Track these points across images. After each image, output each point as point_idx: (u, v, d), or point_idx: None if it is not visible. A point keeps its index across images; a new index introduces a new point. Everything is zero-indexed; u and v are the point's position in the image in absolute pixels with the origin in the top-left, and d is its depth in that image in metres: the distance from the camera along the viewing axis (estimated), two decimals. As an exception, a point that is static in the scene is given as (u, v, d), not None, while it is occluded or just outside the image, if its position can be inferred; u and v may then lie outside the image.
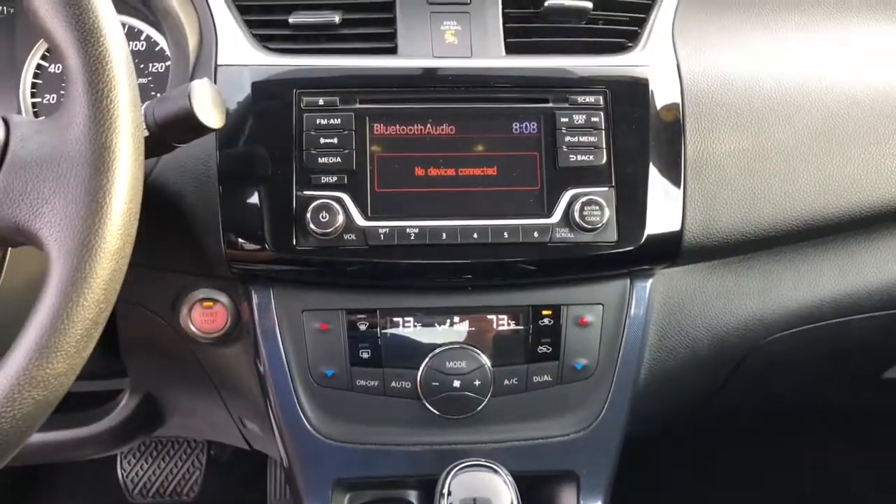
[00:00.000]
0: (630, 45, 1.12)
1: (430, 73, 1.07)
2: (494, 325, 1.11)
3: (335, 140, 1.03)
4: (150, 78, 1.26)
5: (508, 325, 1.11)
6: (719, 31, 1.16)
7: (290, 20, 1.07)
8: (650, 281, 1.13)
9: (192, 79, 1.02)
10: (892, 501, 1.98)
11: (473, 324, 1.10)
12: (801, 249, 1.20)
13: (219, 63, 1.06)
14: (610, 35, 1.11)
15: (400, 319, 1.10)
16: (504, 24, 1.09)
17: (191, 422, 1.54)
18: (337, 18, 1.08)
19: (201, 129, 0.94)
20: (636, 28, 1.12)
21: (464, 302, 1.10)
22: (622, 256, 1.06)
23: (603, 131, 1.06)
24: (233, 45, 1.06)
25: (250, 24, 1.07)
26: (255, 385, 1.14)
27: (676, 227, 1.09)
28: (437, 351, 1.09)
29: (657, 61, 1.11)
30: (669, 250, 1.09)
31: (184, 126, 0.94)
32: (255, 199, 1.02)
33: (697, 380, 1.24)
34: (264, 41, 1.07)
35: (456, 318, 1.11)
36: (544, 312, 1.11)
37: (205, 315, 1.13)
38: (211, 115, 0.94)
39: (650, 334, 1.15)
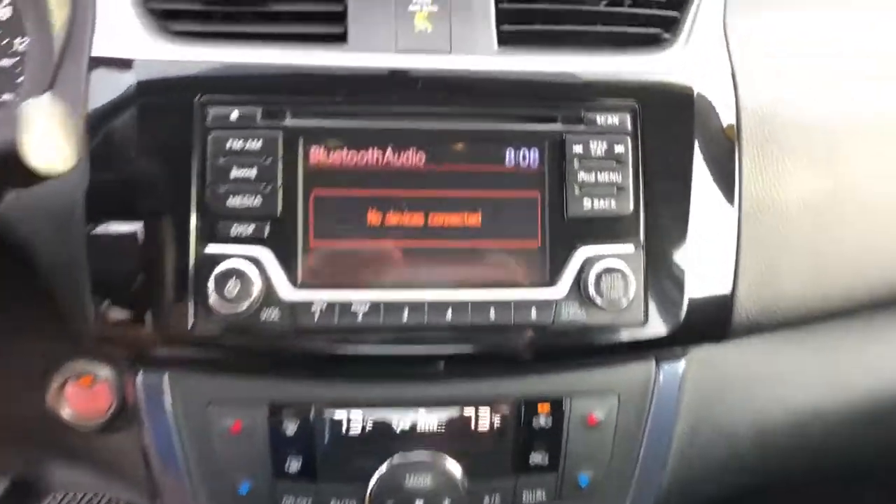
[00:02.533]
0: (667, 37, 0.88)
1: (392, 75, 0.82)
2: (472, 425, 0.87)
3: (253, 172, 0.79)
4: (15, 59, 0.92)
5: (491, 423, 0.87)
6: (789, 19, 0.93)
7: None
8: (682, 363, 0.91)
9: (54, 76, 0.80)
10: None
11: (443, 422, 0.86)
12: (871, 318, 0.99)
13: (93, 54, 0.81)
14: (640, 22, 0.88)
15: (343, 416, 0.85)
16: (497, 2, 0.85)
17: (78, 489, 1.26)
18: None
19: (33, 176, 0.61)
20: (675, 13, 0.89)
21: (431, 392, 0.87)
22: (650, 341, 0.84)
23: (630, 167, 0.83)
24: (117, 27, 0.82)
25: None
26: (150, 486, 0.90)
27: (726, 300, 0.86)
28: (393, 460, 0.85)
29: (705, 63, 0.87)
30: (713, 331, 0.87)
31: (8, 167, 0.61)
32: (135, 254, 0.78)
33: (733, 480, 1.05)
34: (165, 20, 0.83)
35: (420, 414, 0.86)
36: (541, 408, 0.87)
37: (83, 395, 0.89)
38: (49, 154, 0.62)
39: (679, 431, 0.93)
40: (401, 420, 0.86)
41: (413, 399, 0.86)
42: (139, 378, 0.85)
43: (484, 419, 0.87)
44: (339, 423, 0.85)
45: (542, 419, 0.87)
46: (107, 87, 0.79)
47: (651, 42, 0.88)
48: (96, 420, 0.90)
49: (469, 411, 0.87)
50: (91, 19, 0.82)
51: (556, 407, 0.87)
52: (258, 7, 0.84)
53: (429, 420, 0.86)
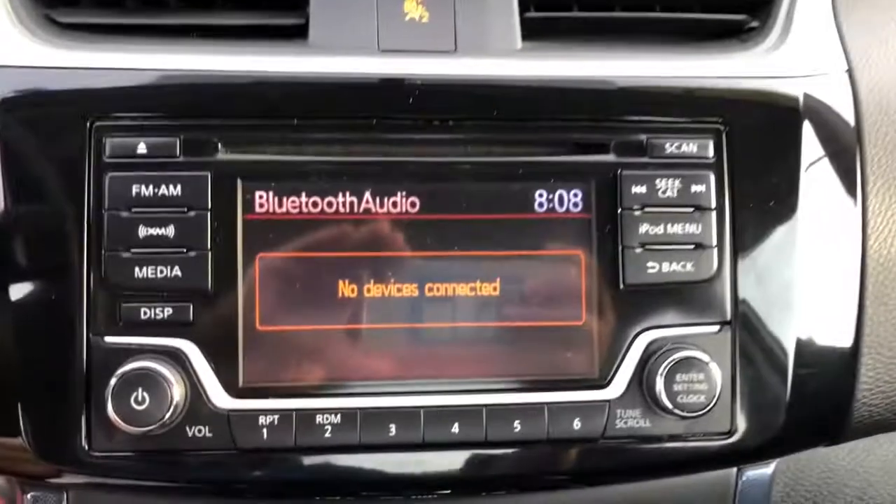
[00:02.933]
0: (755, 25, 0.70)
1: (372, 86, 0.63)
2: (491, 556, 0.67)
3: (170, 229, 0.59)
4: None
5: (518, 553, 0.67)
6: None
7: None
8: (773, 466, 0.72)
9: None
10: None
11: None
12: None
13: None
14: (718, 6, 0.69)
15: None
16: None
17: None
18: None
19: None
20: None
21: None
22: (736, 454, 0.66)
23: (713, 213, 0.63)
24: None
25: None
26: None
27: (843, 394, 0.67)
28: None
29: (812, 62, 0.68)
30: (822, 434, 0.68)
31: None
32: (2, 342, 0.59)
33: None
34: (50, 7, 0.64)
35: (418, 543, 0.67)
36: (583, 532, 0.68)
37: (-36, 510, 0.72)
38: None
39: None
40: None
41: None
42: (28, 498, 0.66)
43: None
44: (306, 560, 0.67)
45: (587, 547, 0.67)
46: None
47: (733, 34, 0.69)
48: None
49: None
50: None
51: (605, 530, 0.68)
52: None
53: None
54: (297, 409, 0.60)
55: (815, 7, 0.69)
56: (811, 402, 0.65)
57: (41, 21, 0.62)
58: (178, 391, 0.58)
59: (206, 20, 0.64)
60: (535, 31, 0.65)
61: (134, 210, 0.59)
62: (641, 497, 0.70)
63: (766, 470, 0.73)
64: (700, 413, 0.61)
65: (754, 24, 0.69)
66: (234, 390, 0.59)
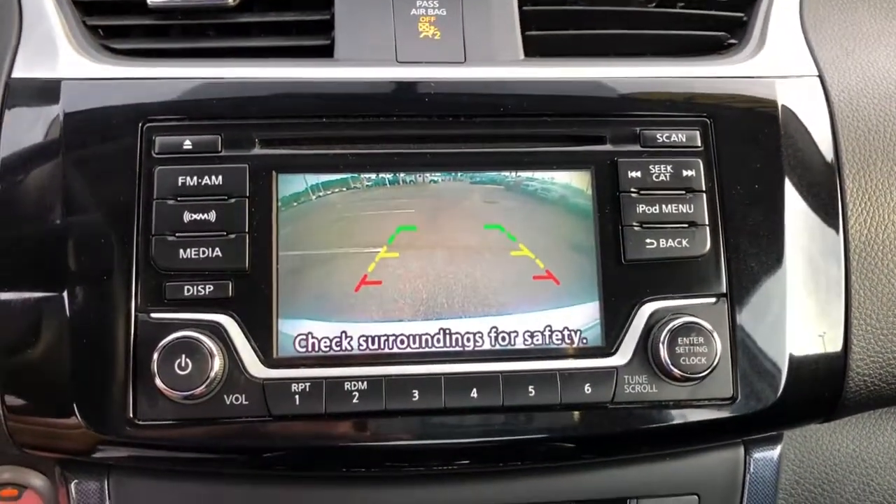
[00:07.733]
0: (733, 42, 0.76)
1: (391, 91, 0.69)
2: (508, 538, 0.68)
3: (212, 215, 0.64)
4: None
5: (533, 536, 0.69)
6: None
7: (151, 1, 0.70)
8: (779, 449, 0.74)
9: None
10: None
11: None
12: None
13: (13, 75, 0.67)
14: (699, 24, 0.76)
15: None
16: (521, 5, 0.74)
17: None
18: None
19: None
20: (741, 14, 0.77)
21: (452, 496, 0.70)
22: (741, 422, 0.67)
23: (704, 195, 0.68)
24: (44, 45, 0.69)
25: (84, 10, 0.71)
26: None
27: (836, 363, 0.69)
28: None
29: (786, 68, 0.74)
30: (821, 404, 0.70)
31: None
32: (55, 323, 0.62)
33: None
34: (106, 38, 0.71)
35: (441, 525, 0.68)
36: (597, 513, 0.69)
37: (6, 511, 0.74)
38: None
39: (777, 537, 0.75)
40: (417, 534, 0.68)
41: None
42: (72, 488, 0.68)
43: (525, 529, 0.68)
44: (338, 540, 0.68)
45: (601, 528, 0.68)
46: (27, 115, 0.65)
47: (713, 49, 0.75)
48: (25, 541, 0.74)
49: (505, 521, 0.68)
50: (14, 37, 0.68)
51: (618, 511, 0.69)
52: (224, 19, 0.70)
53: (453, 531, 0.69)
54: (326, 378, 0.62)
55: (786, 25, 0.76)
56: (807, 369, 0.67)
57: (98, 48, 0.69)
58: (217, 362, 0.61)
59: (243, 43, 0.70)
60: (536, 47, 0.71)
61: (179, 198, 0.63)
62: (654, 479, 0.71)
63: (772, 452, 0.74)
64: (701, 375, 0.63)
65: (733, 41, 0.75)
66: (267, 361, 0.62)
